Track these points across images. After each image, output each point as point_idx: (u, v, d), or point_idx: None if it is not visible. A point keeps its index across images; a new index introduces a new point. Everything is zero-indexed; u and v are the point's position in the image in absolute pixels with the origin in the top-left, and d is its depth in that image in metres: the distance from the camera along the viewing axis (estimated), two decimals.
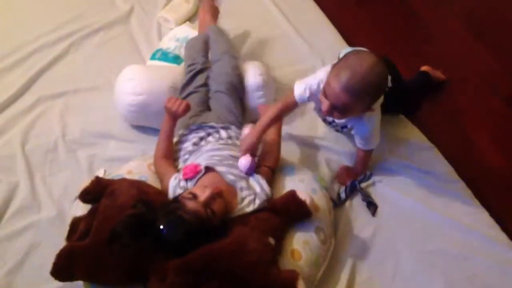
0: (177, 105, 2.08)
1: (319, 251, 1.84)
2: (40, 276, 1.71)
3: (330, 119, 2.04)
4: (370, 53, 1.72)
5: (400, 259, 1.99)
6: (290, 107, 2.07)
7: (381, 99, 1.91)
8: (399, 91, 2.22)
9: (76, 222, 1.82)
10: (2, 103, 2.41)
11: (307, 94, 1.95)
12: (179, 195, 1.76)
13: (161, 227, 1.63)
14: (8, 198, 2.07)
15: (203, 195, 1.69)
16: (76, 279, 1.67)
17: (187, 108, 2.10)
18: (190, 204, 1.67)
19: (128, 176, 1.98)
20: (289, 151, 2.27)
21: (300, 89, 1.98)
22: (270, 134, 2.12)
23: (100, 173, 2.10)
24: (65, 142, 2.30)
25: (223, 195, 1.78)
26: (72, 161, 2.24)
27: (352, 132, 2.08)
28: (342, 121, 2.01)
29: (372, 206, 2.12)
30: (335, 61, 2.71)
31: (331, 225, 1.97)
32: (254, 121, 2.34)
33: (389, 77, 2.05)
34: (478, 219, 2.13)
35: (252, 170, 1.96)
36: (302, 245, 1.81)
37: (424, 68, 2.75)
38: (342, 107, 1.74)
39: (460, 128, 2.63)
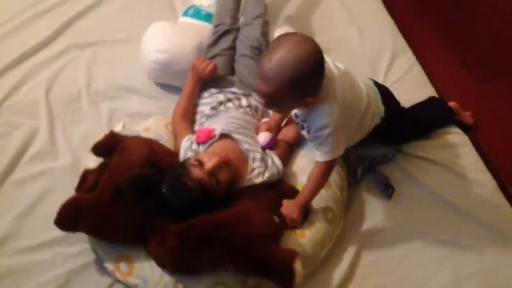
0: (205, 65, 2.08)
1: (324, 231, 1.81)
2: (49, 222, 1.72)
3: (294, 115, 1.78)
4: (293, 35, 1.48)
5: (409, 246, 1.94)
6: None
7: (335, 89, 1.61)
8: (398, 119, 2.01)
9: (86, 174, 1.87)
10: (31, 49, 2.44)
11: None
12: (187, 159, 1.76)
13: (164, 190, 1.64)
14: (27, 142, 2.13)
15: (209, 163, 1.68)
16: (79, 231, 1.71)
17: (214, 70, 2.09)
18: (196, 171, 1.66)
19: (144, 133, 2.00)
20: None
21: None
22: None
23: (119, 127, 2.13)
24: (89, 93, 2.32)
25: (232, 163, 1.76)
26: (93, 112, 2.26)
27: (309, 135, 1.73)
28: (299, 113, 1.71)
29: (389, 189, 2.05)
30: (370, 29, 2.67)
31: (342, 205, 1.94)
32: None
33: (383, 107, 1.90)
34: (498, 213, 2.02)
35: (271, 146, 1.95)
36: (307, 224, 1.80)
37: (451, 104, 2.31)
38: (265, 98, 1.52)
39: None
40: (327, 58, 1.57)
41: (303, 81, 1.45)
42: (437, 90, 2.42)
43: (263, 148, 1.94)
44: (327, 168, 1.72)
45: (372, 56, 2.54)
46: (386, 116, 1.88)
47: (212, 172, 1.67)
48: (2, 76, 2.35)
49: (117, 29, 2.58)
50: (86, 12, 2.65)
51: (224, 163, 1.72)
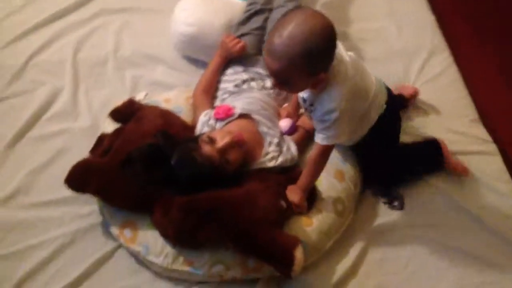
0: (234, 43, 2.06)
1: (332, 222, 1.78)
2: (61, 181, 1.75)
3: (301, 100, 1.72)
4: (303, 9, 1.45)
5: (418, 249, 1.87)
6: None
7: (346, 73, 1.57)
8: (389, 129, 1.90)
9: (102, 138, 1.89)
10: (64, 9, 2.47)
11: None
12: (200, 135, 1.75)
13: (173, 162, 1.64)
14: (50, 100, 2.16)
15: (221, 141, 1.67)
16: (87, 193, 1.73)
17: (243, 49, 2.09)
18: (206, 148, 1.66)
19: (164, 104, 2.01)
20: None
21: None
22: None
23: (141, 96, 2.13)
24: (116, 59, 2.32)
25: (244, 144, 1.75)
26: (117, 78, 2.27)
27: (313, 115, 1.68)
28: (307, 96, 1.65)
29: (397, 201, 1.96)
30: (409, 24, 2.59)
31: (354, 198, 1.90)
32: None
33: (384, 106, 1.80)
34: None
35: (291, 132, 1.93)
36: (315, 212, 1.77)
37: (444, 149, 2.07)
38: (275, 77, 1.47)
39: None
40: (338, 43, 1.52)
41: (314, 56, 1.39)
42: (470, 93, 2.33)
43: (284, 134, 1.92)
44: (324, 150, 1.68)
45: (407, 52, 2.46)
46: (384, 116, 1.80)
47: (223, 151, 1.66)
48: (33, 33, 2.39)
49: None
50: None
51: (237, 143, 1.71)
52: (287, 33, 1.36)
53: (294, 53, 1.37)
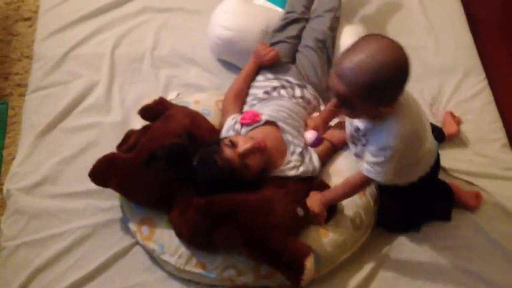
0: (267, 51, 2.09)
1: (348, 236, 1.79)
2: (86, 174, 1.78)
3: (353, 128, 1.63)
4: (381, 38, 1.35)
5: (433, 270, 1.87)
6: None
7: (411, 110, 1.52)
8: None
9: (129, 134, 1.93)
10: (108, 4, 2.50)
11: None
12: (224, 138, 1.78)
13: (194, 163, 1.67)
14: (85, 93, 2.21)
15: (243, 146, 1.69)
16: (109, 187, 1.77)
17: (275, 58, 2.10)
18: (227, 152, 1.68)
19: (194, 105, 2.04)
20: None
21: None
22: None
23: (173, 95, 2.17)
24: (152, 57, 2.36)
25: (265, 151, 1.77)
26: (152, 76, 2.30)
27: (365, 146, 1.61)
28: (364, 127, 1.57)
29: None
30: (447, 43, 2.56)
31: (373, 214, 1.89)
32: None
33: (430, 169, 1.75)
34: None
35: (316, 145, 1.92)
36: (332, 225, 1.78)
37: (452, 184, 2.01)
38: (340, 99, 1.41)
39: None
40: None
41: (381, 89, 1.34)
42: (502, 118, 2.30)
43: (308, 145, 1.92)
44: (366, 181, 1.65)
45: (442, 71, 2.44)
46: (424, 179, 1.76)
47: (243, 155, 1.69)
48: (75, 26, 2.43)
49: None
50: None
51: (258, 149, 1.73)
52: (359, 60, 1.31)
53: (362, 82, 1.32)
